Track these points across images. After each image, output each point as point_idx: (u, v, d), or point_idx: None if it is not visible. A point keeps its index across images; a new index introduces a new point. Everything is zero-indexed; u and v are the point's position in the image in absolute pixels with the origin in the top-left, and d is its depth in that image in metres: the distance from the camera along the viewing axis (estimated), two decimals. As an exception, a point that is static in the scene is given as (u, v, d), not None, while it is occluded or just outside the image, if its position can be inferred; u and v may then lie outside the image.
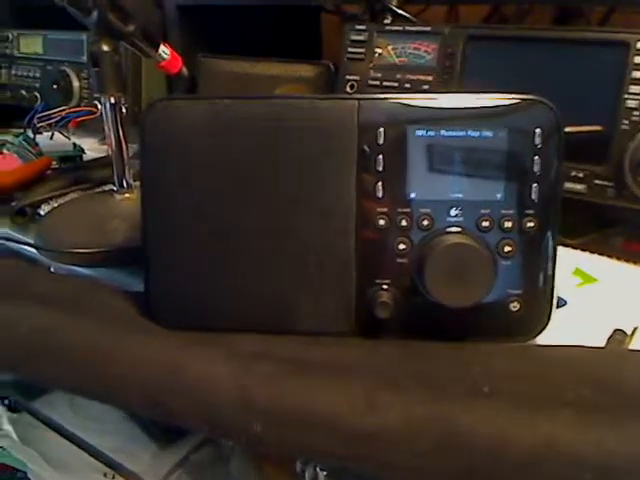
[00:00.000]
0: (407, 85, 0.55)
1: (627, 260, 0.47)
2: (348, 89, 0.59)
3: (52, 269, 0.51)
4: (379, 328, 0.36)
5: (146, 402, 0.33)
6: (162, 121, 0.37)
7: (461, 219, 0.34)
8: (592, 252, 0.48)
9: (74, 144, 0.74)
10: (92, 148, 0.77)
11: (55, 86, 0.81)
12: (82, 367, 0.34)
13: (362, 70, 0.58)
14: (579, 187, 0.47)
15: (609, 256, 0.47)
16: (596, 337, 0.36)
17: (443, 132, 0.34)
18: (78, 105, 0.80)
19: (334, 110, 0.35)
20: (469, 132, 0.34)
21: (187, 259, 0.37)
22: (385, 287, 0.35)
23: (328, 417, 0.30)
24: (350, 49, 0.59)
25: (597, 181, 0.46)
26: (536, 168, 0.34)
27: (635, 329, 0.36)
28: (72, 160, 0.72)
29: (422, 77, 0.54)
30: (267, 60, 0.70)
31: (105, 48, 0.49)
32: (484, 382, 0.31)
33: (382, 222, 0.35)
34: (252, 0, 0.74)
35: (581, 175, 0.47)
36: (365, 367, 0.33)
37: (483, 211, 0.34)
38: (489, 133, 0.34)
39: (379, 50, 0.57)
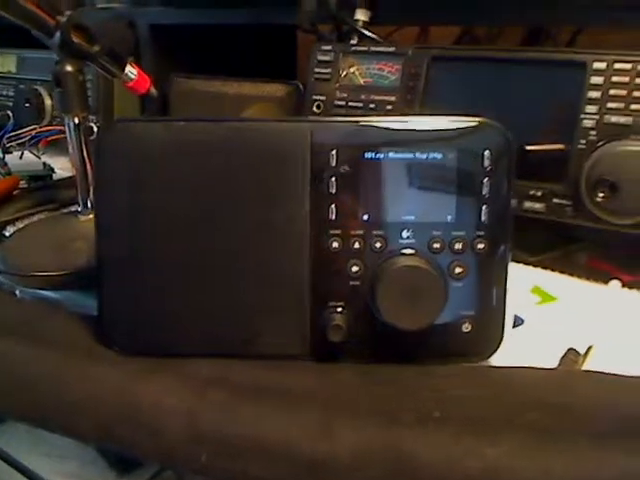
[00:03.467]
0: (372, 105, 0.56)
1: (588, 278, 0.47)
2: (315, 109, 0.59)
3: (17, 292, 0.50)
4: (334, 351, 0.36)
5: (97, 431, 0.33)
6: (117, 143, 0.37)
7: (413, 241, 0.35)
8: (553, 270, 0.48)
9: (44, 163, 0.74)
10: (63, 167, 0.77)
11: (27, 105, 0.81)
12: (31, 394, 0.34)
13: (328, 90, 0.58)
14: (538, 206, 0.47)
15: (570, 274, 0.47)
16: (552, 356, 0.36)
17: (394, 155, 0.35)
18: (50, 124, 0.80)
19: (288, 133, 0.36)
20: (419, 154, 0.34)
21: (142, 283, 0.37)
22: (339, 310, 0.35)
23: (279, 444, 0.29)
24: (317, 69, 0.59)
25: (556, 200, 0.47)
26: (485, 190, 0.34)
27: (589, 348, 0.37)
28: (42, 179, 0.71)
29: (386, 97, 0.55)
30: (238, 80, 0.71)
31: (68, 68, 0.49)
32: (435, 407, 0.31)
33: (335, 244, 0.35)
34: (226, 19, 0.75)
35: (539, 194, 0.47)
36: (319, 392, 0.33)
37: (434, 233, 0.34)
38: (439, 155, 0.34)
39: (345, 70, 0.58)
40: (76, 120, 0.51)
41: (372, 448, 0.28)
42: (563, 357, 0.36)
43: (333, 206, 0.35)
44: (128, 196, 0.37)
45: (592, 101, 0.45)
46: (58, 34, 0.48)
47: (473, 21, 0.70)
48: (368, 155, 0.35)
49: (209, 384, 0.33)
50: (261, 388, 0.33)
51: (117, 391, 0.33)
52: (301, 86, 0.65)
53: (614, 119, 0.44)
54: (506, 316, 0.35)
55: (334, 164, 0.35)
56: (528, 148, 0.49)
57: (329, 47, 0.59)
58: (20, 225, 0.58)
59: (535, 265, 0.48)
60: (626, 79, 0.44)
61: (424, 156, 0.34)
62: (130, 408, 0.32)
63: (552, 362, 0.36)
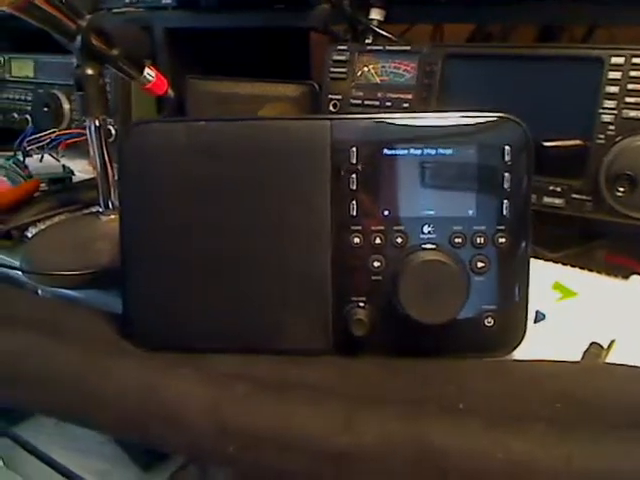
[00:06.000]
0: (388, 103, 0.56)
1: (608, 273, 0.47)
2: (331, 108, 0.59)
3: (39, 292, 0.51)
4: (356, 345, 0.36)
5: (122, 425, 0.33)
6: (139, 144, 0.37)
7: (434, 236, 0.35)
8: (573, 266, 0.48)
9: (63, 166, 0.75)
10: (83, 169, 0.78)
11: (46, 109, 0.82)
12: (57, 390, 0.34)
13: (344, 89, 0.59)
14: (557, 201, 0.47)
15: (590, 269, 0.47)
16: (574, 351, 0.36)
17: (414, 151, 0.35)
18: (69, 127, 0.81)
19: (308, 131, 0.36)
20: (440, 150, 0.35)
21: (165, 281, 0.37)
22: (361, 304, 0.36)
23: (303, 437, 0.30)
24: (332, 69, 0.60)
25: (575, 195, 0.47)
26: (506, 184, 0.34)
27: (611, 342, 0.36)
28: (61, 182, 0.72)
29: (402, 95, 0.55)
30: (253, 80, 0.71)
31: (89, 72, 0.50)
32: (459, 399, 0.31)
33: (357, 240, 0.36)
34: (240, 22, 0.76)
35: (559, 189, 0.47)
36: (341, 386, 0.33)
37: (455, 227, 0.35)
38: (460, 151, 0.34)
39: (361, 69, 0.58)
40: (97, 122, 0.52)
41: (396, 439, 0.29)
42: (586, 351, 0.35)
43: (354, 202, 0.35)
44: (150, 196, 0.37)
45: (610, 96, 0.45)
46: (79, 38, 0.49)
47: (487, 19, 0.70)
48: (388, 151, 0.35)
49: (233, 378, 0.33)
50: (285, 382, 0.34)
51: (141, 386, 0.33)
52: (316, 86, 0.66)
53: (633, 113, 0.44)
54: (528, 310, 0.35)
55: (354, 161, 0.35)
56: (547, 144, 0.48)
57: (345, 47, 0.59)
58: (42, 226, 0.59)
59: (555, 261, 0.48)
60: (644, 73, 0.44)
61: (444, 151, 0.35)
62: (155, 402, 0.33)
63: (575, 357, 0.36)
